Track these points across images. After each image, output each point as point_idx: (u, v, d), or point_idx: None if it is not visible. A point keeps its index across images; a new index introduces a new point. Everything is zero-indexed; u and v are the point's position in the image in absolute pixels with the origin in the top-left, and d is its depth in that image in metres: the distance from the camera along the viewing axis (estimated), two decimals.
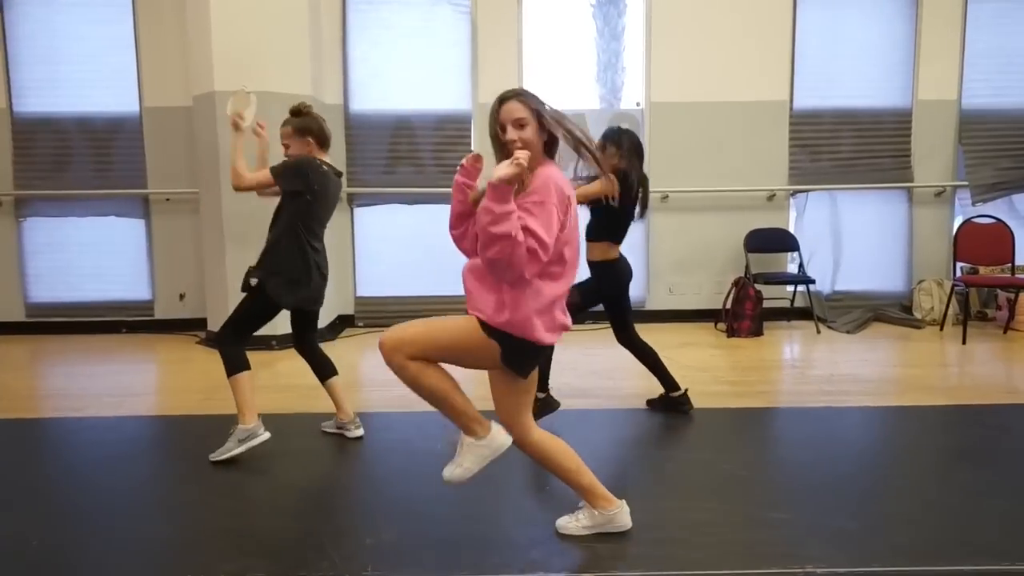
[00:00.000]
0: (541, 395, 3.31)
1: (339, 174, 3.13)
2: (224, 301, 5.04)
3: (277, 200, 3.05)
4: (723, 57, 5.83)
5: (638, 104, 5.92)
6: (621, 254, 3.42)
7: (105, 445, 3.16)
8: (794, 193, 6.03)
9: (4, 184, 5.76)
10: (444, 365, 2.05)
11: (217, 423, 3.25)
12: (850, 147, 5.99)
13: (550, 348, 2.16)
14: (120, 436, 3.29)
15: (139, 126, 5.76)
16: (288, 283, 2.95)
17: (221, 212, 5.08)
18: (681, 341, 5.22)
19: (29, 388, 4.33)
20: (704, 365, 4.51)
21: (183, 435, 3.33)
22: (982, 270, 5.75)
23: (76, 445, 3.23)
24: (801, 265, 5.88)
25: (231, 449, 2.89)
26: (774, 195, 6.01)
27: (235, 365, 2.91)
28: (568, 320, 2.12)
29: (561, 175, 2.04)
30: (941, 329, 5.58)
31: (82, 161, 5.78)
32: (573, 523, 2.25)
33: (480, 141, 5.79)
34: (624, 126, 3.45)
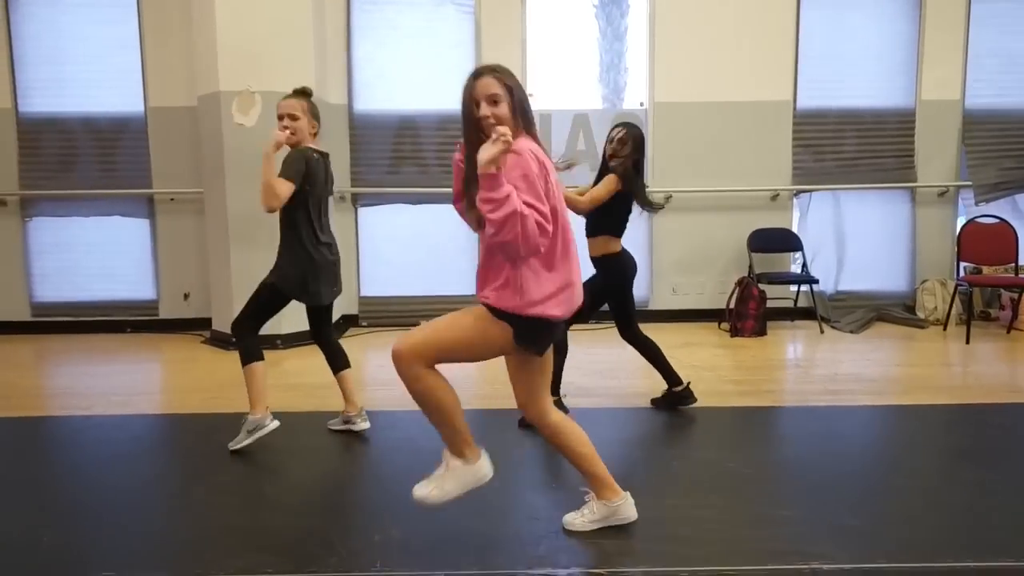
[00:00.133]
0: (553, 398, 3.31)
1: (325, 155, 3.14)
2: (228, 301, 5.06)
3: None
4: (726, 57, 5.84)
5: (641, 104, 5.93)
6: (624, 248, 3.43)
7: (113, 443, 3.18)
8: (797, 193, 6.04)
9: (10, 184, 5.78)
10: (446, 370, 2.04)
11: (223, 421, 3.29)
12: (853, 147, 5.99)
13: (562, 329, 2.12)
14: (127, 434, 3.32)
15: (144, 126, 5.77)
16: (299, 283, 3.03)
17: (226, 212, 5.09)
18: (685, 341, 5.23)
19: (36, 387, 4.34)
20: (708, 365, 4.52)
21: (190, 433, 3.35)
22: (985, 270, 5.75)
23: (84, 443, 3.24)
24: (804, 265, 5.88)
25: (241, 440, 3.01)
26: (777, 195, 6.02)
27: (250, 355, 3.01)
28: (574, 293, 2.10)
29: (533, 144, 2.03)
30: (944, 329, 5.58)
31: (87, 161, 5.79)
32: (579, 519, 2.26)
33: None
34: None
